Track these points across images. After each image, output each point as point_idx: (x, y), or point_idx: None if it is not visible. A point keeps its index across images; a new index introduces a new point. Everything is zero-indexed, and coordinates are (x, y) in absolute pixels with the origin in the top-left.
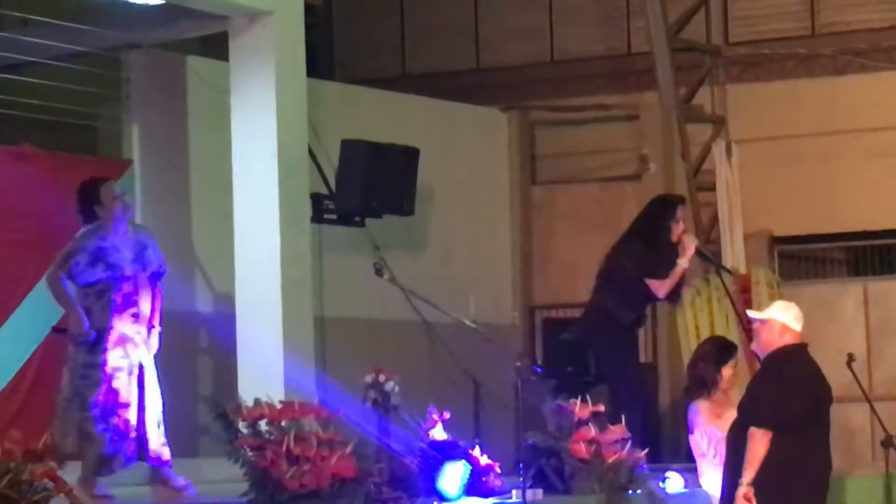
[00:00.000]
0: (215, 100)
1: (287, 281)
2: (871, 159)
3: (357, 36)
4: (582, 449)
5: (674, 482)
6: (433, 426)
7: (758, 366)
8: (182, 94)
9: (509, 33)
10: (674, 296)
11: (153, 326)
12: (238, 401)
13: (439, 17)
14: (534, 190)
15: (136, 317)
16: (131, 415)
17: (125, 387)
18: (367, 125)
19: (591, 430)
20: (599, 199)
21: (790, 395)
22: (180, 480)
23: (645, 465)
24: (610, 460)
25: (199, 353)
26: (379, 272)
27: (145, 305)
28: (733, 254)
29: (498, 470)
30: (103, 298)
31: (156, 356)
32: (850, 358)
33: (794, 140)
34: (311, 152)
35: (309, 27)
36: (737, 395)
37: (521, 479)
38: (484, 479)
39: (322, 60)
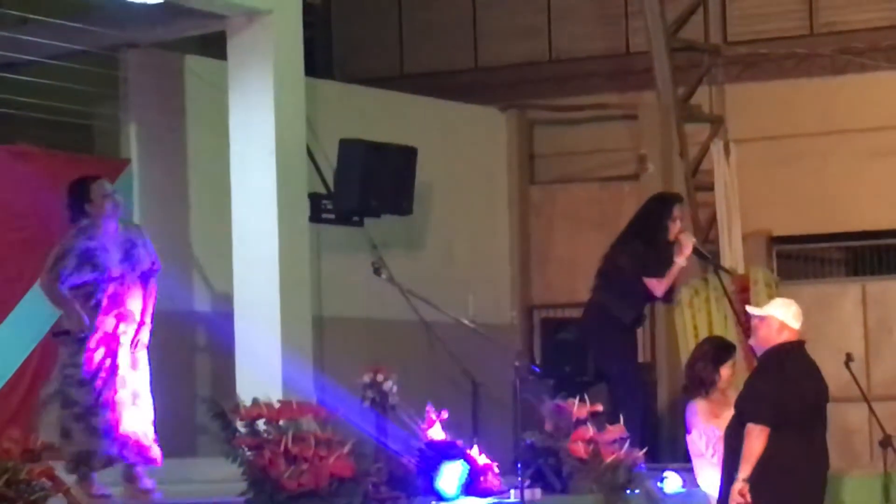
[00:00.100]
0: (213, 99)
1: (285, 280)
2: (869, 159)
3: (355, 35)
4: (580, 448)
5: (672, 482)
6: (431, 426)
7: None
8: (180, 94)
9: (508, 32)
10: (668, 295)
11: (144, 324)
12: (236, 400)
13: (438, 17)
14: (532, 189)
15: (121, 316)
16: (113, 415)
17: (107, 387)
18: (365, 124)
19: (590, 430)
20: (598, 198)
21: (787, 392)
22: (148, 482)
23: (643, 465)
24: (608, 460)
25: (197, 352)
26: (377, 272)
27: (134, 304)
28: (732, 253)
29: (496, 469)
30: (91, 300)
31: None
32: (849, 358)
33: (793, 140)
34: (309, 151)
35: (307, 26)
36: (734, 395)
37: (520, 478)
38: (482, 478)
39: (320, 59)
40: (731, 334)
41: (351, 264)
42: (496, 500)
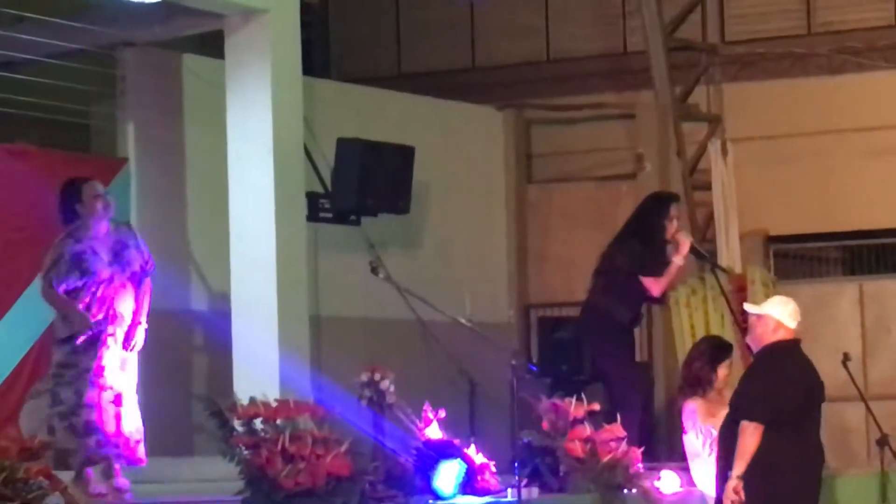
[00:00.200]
0: (211, 98)
1: (282, 279)
2: (866, 158)
3: (353, 34)
4: (577, 448)
5: (669, 481)
6: (428, 425)
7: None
8: (178, 93)
9: (505, 32)
10: (662, 295)
11: (139, 323)
12: (233, 399)
13: (435, 16)
14: (529, 188)
15: (109, 319)
16: (97, 415)
17: (92, 387)
18: (362, 123)
19: (587, 429)
20: (595, 197)
21: (782, 391)
22: (122, 482)
23: (640, 464)
24: (605, 459)
25: (195, 351)
26: (374, 271)
27: (123, 306)
28: (729, 253)
29: (493, 469)
30: (80, 303)
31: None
32: (846, 357)
33: (790, 139)
34: (306, 150)
35: (305, 25)
36: (730, 394)
37: (517, 477)
38: (479, 477)
39: (318, 58)
40: (728, 334)
41: (348, 263)
42: (493, 500)
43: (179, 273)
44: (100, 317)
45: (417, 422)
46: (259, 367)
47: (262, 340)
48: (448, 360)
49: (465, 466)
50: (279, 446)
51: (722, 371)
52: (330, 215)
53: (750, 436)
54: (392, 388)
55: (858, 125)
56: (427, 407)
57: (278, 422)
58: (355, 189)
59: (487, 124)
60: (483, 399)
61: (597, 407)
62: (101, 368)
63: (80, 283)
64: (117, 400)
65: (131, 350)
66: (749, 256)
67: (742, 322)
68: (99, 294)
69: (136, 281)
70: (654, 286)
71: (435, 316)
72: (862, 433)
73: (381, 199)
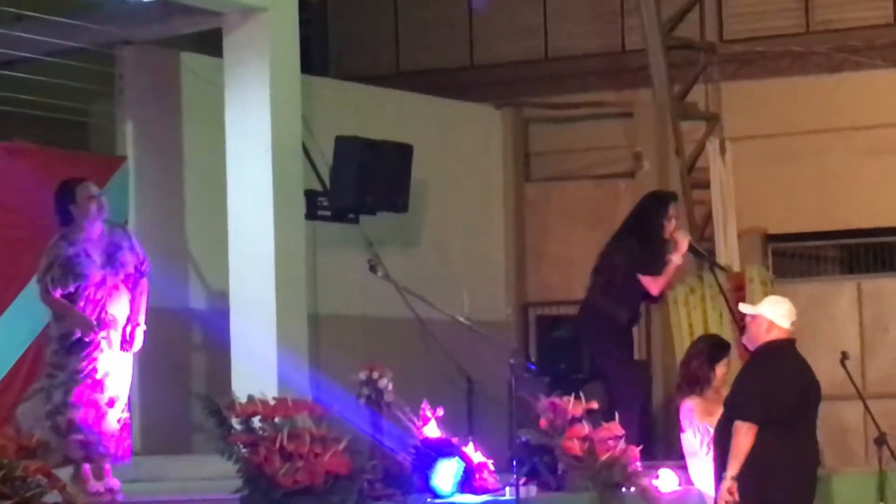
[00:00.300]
0: (209, 96)
1: (281, 277)
2: (865, 157)
3: (351, 32)
4: (575, 446)
5: (667, 480)
6: (427, 423)
7: None
8: (176, 91)
9: (503, 30)
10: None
11: (138, 325)
12: (231, 397)
13: (433, 14)
14: (528, 187)
15: (102, 322)
16: (82, 416)
17: (82, 388)
18: (361, 122)
19: (585, 428)
20: (593, 196)
21: (775, 390)
22: (114, 482)
23: (638, 463)
24: (603, 458)
25: (193, 349)
26: (373, 269)
27: (116, 309)
28: (727, 251)
29: (491, 467)
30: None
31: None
32: (844, 356)
33: (789, 138)
34: (305, 149)
35: (303, 23)
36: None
37: (515, 476)
38: (477, 476)
39: (316, 57)
40: (727, 332)
41: (347, 261)
42: (491, 498)
43: (178, 271)
44: (93, 319)
45: (416, 420)
46: (257, 365)
47: (261, 339)
48: (446, 359)
49: (464, 465)
50: (277, 444)
51: (720, 370)
52: (328, 213)
53: (743, 436)
54: (390, 387)
55: (857, 124)
56: (425, 405)
57: (276, 420)
58: (354, 187)
59: (486, 123)
60: (481, 397)
61: (595, 405)
62: (95, 370)
63: (72, 288)
64: (111, 402)
65: (128, 350)
66: (747, 255)
67: (740, 321)
68: (91, 297)
69: (132, 282)
70: (652, 285)
71: (433, 314)
72: (860, 432)
73: (380, 197)
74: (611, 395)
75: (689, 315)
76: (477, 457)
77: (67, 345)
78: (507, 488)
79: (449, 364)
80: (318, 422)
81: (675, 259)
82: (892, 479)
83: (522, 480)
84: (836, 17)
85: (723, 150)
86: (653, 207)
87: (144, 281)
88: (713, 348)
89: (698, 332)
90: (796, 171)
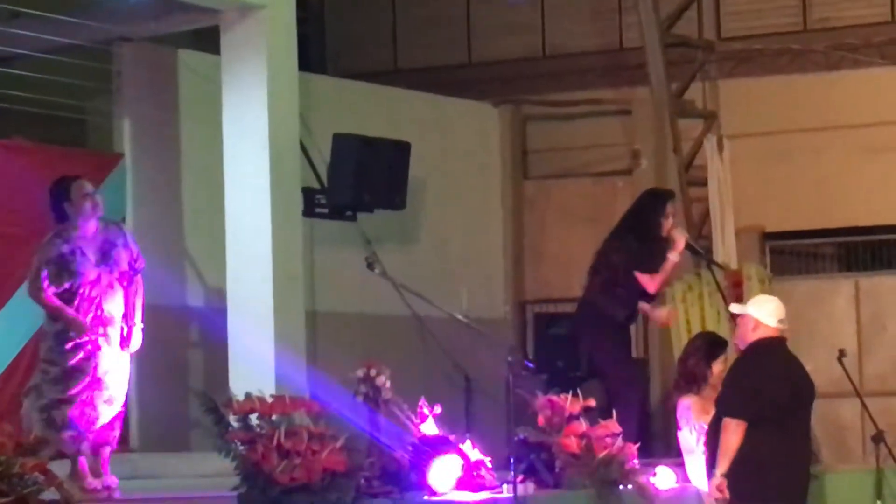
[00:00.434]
0: (207, 93)
1: (278, 275)
2: (863, 155)
3: (349, 30)
4: (573, 443)
5: (664, 477)
6: (424, 420)
7: None
8: (173, 88)
9: (501, 28)
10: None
11: (134, 324)
12: (229, 395)
13: (431, 12)
14: (526, 184)
15: (98, 319)
16: (77, 412)
17: (79, 386)
18: (358, 119)
19: (582, 425)
20: (591, 193)
21: (764, 387)
22: (111, 479)
23: (636, 460)
24: (600, 455)
25: (191, 347)
26: (370, 266)
27: (111, 306)
28: (725, 249)
29: (488, 464)
30: (70, 305)
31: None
32: (841, 353)
33: (786, 135)
34: (302, 146)
35: (301, 21)
36: None
37: (512, 473)
38: (475, 473)
39: (314, 54)
40: (724, 330)
41: (344, 259)
42: (489, 496)
43: (175, 268)
44: (88, 318)
45: (413, 417)
46: (255, 362)
47: (258, 336)
48: (444, 356)
49: (461, 462)
50: (275, 442)
51: (717, 367)
52: (326, 211)
53: (732, 433)
54: (388, 384)
55: (855, 122)
56: (423, 403)
57: (274, 417)
58: (351, 184)
59: (484, 120)
60: (479, 395)
61: (592, 403)
62: (96, 368)
63: (67, 286)
64: (109, 401)
65: (126, 349)
66: (745, 253)
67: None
68: (86, 295)
69: (126, 279)
70: (649, 283)
71: (431, 312)
72: (857, 430)
73: (378, 194)
74: (608, 393)
75: (687, 312)
76: (474, 454)
77: (62, 341)
78: (505, 486)
79: (446, 361)
80: (316, 419)
81: (673, 257)
82: (889, 477)
83: (520, 478)
84: (834, 15)
85: (720, 148)
86: (650, 205)
87: (139, 278)
88: (710, 346)
89: (696, 329)
90: (794, 168)
